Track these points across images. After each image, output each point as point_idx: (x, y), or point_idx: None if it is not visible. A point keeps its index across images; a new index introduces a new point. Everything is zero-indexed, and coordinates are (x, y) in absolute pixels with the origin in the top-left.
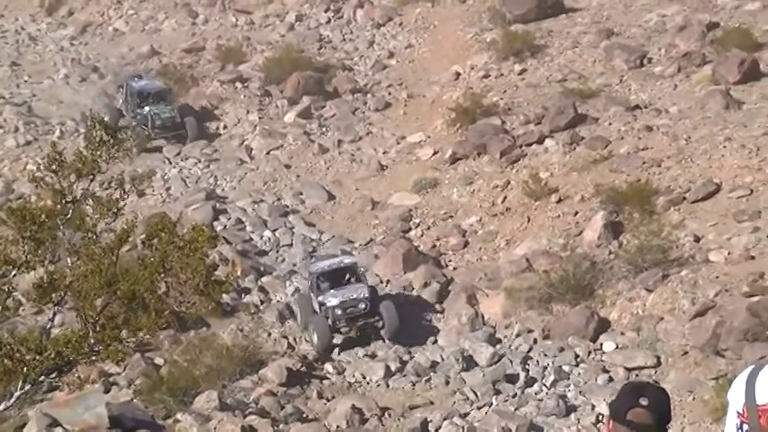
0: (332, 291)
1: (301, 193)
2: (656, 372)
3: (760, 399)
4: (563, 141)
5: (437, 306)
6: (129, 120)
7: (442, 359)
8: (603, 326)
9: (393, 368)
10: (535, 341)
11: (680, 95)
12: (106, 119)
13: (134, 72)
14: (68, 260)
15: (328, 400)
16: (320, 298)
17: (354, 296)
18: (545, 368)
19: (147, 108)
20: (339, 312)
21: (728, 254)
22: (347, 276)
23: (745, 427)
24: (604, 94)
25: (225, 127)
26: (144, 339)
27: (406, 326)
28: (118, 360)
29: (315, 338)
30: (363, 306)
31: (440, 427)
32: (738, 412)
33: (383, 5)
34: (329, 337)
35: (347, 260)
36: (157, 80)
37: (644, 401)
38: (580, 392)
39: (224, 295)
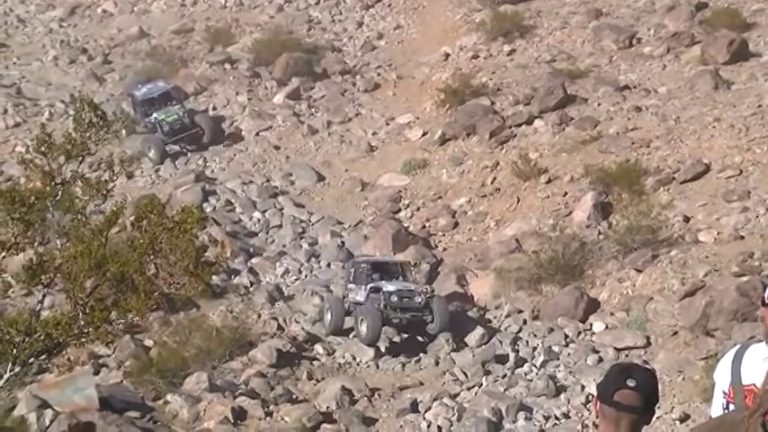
0: (384, 281)
1: (291, 175)
2: (645, 352)
3: (745, 379)
4: (552, 122)
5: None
6: (142, 128)
7: (432, 340)
8: (593, 306)
9: (383, 349)
10: (525, 322)
11: (669, 76)
12: (122, 131)
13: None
14: (58, 242)
15: (318, 381)
16: (371, 285)
17: (412, 288)
18: (535, 349)
19: (153, 115)
20: (395, 300)
21: (718, 234)
22: (396, 273)
23: (731, 407)
24: (593, 75)
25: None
26: (133, 321)
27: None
28: (107, 342)
29: (363, 329)
30: (419, 300)
31: (429, 408)
32: (724, 392)
33: None
34: (380, 328)
35: (397, 258)
36: (160, 82)
37: (631, 383)
38: (570, 373)
39: (213, 277)
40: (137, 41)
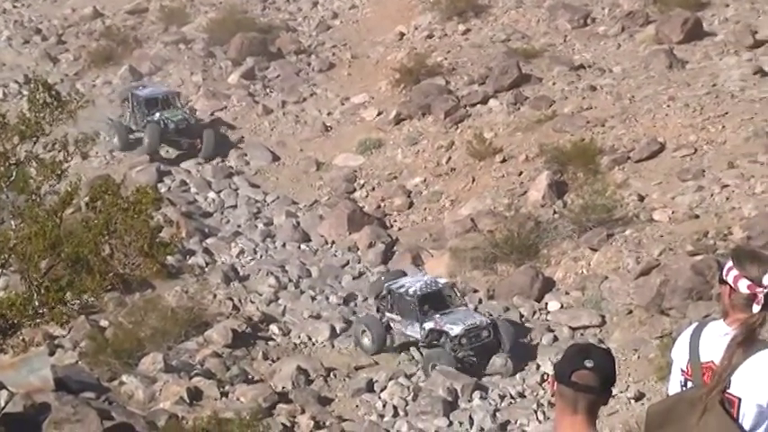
0: (439, 316)
1: (246, 155)
2: (600, 331)
3: (704, 356)
4: (507, 101)
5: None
6: (140, 129)
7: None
8: (548, 285)
9: (338, 329)
10: (480, 301)
11: (623, 55)
12: (115, 140)
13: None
14: (12, 222)
15: (274, 361)
16: (429, 325)
17: (477, 323)
18: None
19: (157, 114)
20: (464, 341)
21: (672, 213)
22: (443, 299)
23: (690, 384)
24: (548, 54)
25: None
26: (89, 302)
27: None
28: (62, 322)
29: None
30: (486, 333)
31: (385, 388)
32: (683, 370)
33: None
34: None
35: (441, 281)
36: (163, 86)
37: (589, 363)
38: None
39: (168, 257)
40: (91, 21)
